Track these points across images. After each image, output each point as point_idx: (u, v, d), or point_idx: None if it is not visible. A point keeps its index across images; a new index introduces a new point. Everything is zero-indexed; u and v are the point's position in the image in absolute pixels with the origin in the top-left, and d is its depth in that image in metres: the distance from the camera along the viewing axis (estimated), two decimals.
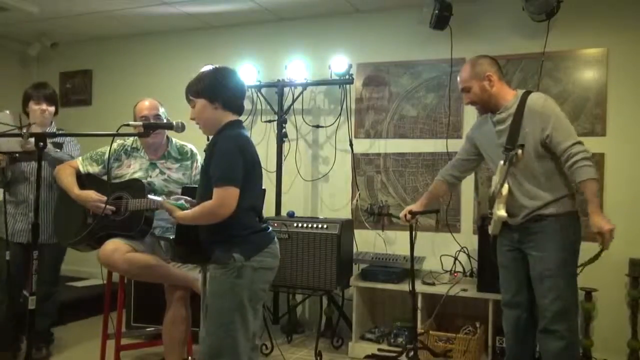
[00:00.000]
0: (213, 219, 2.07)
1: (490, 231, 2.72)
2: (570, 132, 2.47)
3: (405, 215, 2.94)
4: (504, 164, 2.50)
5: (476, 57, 2.69)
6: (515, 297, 2.66)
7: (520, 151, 2.36)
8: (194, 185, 2.90)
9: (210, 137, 2.26)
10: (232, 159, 2.05)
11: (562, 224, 2.48)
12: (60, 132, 3.10)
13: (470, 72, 2.62)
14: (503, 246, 2.71)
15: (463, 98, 2.74)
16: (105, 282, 2.99)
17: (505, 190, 2.49)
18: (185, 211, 2.14)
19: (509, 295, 2.69)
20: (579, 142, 2.43)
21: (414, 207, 2.97)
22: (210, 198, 2.06)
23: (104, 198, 2.78)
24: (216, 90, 2.16)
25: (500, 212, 2.51)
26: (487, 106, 2.64)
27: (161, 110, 3.00)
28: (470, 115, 3.92)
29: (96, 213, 2.80)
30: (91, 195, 2.83)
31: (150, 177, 2.93)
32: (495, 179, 2.61)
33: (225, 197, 2.02)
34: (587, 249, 2.55)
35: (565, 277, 2.48)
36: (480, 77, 2.59)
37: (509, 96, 2.61)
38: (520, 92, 2.61)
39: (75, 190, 2.88)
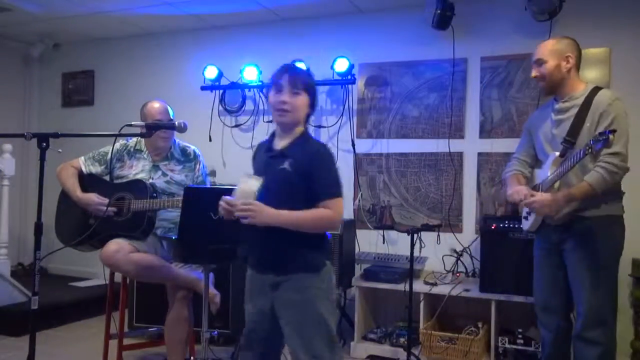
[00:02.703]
0: (330, 229, 2.09)
1: (527, 227, 2.64)
2: (619, 140, 2.32)
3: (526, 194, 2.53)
4: (560, 155, 2.41)
5: (562, 36, 2.58)
6: (550, 301, 2.59)
7: (612, 136, 2.16)
8: (197, 186, 2.92)
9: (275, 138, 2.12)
10: (337, 169, 2.04)
11: (606, 226, 2.39)
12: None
13: (552, 46, 2.51)
14: (539, 247, 2.63)
15: (532, 70, 2.57)
16: (107, 282, 3.00)
17: (557, 185, 2.42)
18: (299, 216, 1.97)
19: (542, 297, 2.62)
20: (618, 154, 2.31)
21: (529, 191, 2.51)
22: (297, 204, 1.96)
23: (106, 201, 2.79)
24: (316, 93, 2.12)
25: None
26: (553, 87, 2.52)
27: (172, 114, 3.01)
28: (472, 116, 3.92)
29: (97, 215, 2.81)
30: (92, 198, 2.83)
31: (153, 178, 2.93)
32: (542, 172, 2.52)
33: (340, 208, 2.01)
34: None
35: (605, 282, 2.41)
36: (560, 54, 2.48)
37: (579, 86, 2.50)
38: (591, 85, 2.51)
39: (77, 192, 2.89)
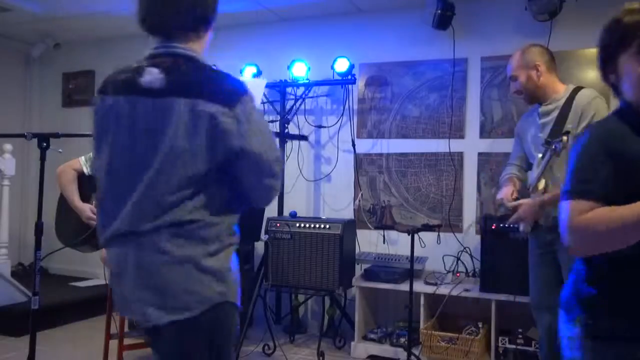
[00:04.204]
0: None
1: (522, 229, 2.67)
2: None
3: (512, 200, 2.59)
4: (543, 157, 2.44)
5: (528, 44, 2.62)
6: (544, 300, 2.61)
7: (565, 138, 2.19)
8: None
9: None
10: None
11: None
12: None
13: (519, 61, 2.55)
14: (534, 247, 2.67)
15: (510, 87, 2.65)
16: (108, 282, 3.00)
17: (541, 184, 2.43)
18: None
19: (537, 297, 2.65)
20: None
21: (513, 190, 2.60)
22: None
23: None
24: None
25: None
26: (533, 97, 2.57)
27: None
28: (472, 116, 3.92)
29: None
30: (86, 212, 2.86)
31: None
32: (531, 174, 2.56)
33: None
34: None
35: None
36: (528, 66, 2.53)
37: (559, 89, 2.54)
38: (572, 86, 2.54)
39: (75, 201, 2.91)
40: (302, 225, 3.62)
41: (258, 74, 4.30)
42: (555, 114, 2.50)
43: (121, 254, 1.38)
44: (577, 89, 2.51)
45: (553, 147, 2.25)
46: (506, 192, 2.62)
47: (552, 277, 2.58)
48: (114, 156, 1.39)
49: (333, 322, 3.94)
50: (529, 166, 2.77)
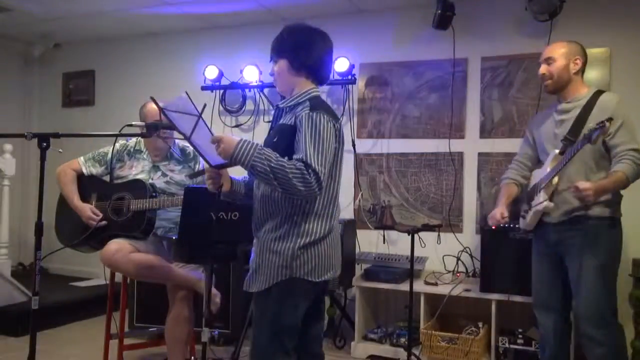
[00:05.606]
0: None
1: (524, 226, 2.68)
2: (634, 137, 2.40)
3: (501, 218, 2.72)
4: (560, 153, 2.47)
5: (571, 41, 2.64)
6: (547, 300, 2.62)
7: (608, 123, 2.21)
8: (197, 186, 2.91)
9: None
10: None
11: (604, 227, 2.44)
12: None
13: (563, 48, 2.58)
14: (538, 246, 2.67)
15: (540, 68, 2.62)
16: (108, 282, 3.00)
17: (555, 180, 2.45)
18: None
19: (540, 296, 2.65)
20: (638, 150, 2.38)
21: (503, 210, 2.71)
22: None
23: (99, 216, 2.81)
24: None
25: (546, 202, 2.46)
26: (559, 87, 2.58)
27: None
28: (472, 116, 3.92)
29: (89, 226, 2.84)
30: (86, 211, 2.86)
31: (153, 179, 2.93)
32: (541, 171, 2.57)
33: None
34: None
35: (604, 283, 2.44)
36: (570, 56, 2.55)
37: (583, 90, 2.57)
38: (594, 89, 2.58)
39: (74, 201, 2.91)
40: None
41: (258, 73, 4.30)
42: (576, 112, 2.51)
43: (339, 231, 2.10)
44: (600, 92, 2.54)
45: (588, 134, 2.25)
46: (497, 213, 2.72)
47: (555, 277, 2.58)
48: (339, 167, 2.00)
49: (333, 322, 3.94)
50: (535, 165, 2.77)
